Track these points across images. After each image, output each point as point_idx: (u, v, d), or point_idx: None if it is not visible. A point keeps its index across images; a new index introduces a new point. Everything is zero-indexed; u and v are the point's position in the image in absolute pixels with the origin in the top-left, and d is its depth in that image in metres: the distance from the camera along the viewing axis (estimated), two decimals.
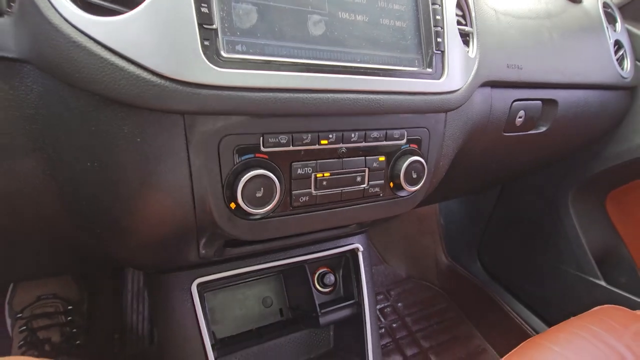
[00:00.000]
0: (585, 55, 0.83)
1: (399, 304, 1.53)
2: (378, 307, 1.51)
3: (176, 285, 0.57)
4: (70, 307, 0.93)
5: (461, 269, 1.50)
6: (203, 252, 0.48)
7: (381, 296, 1.56)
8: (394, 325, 1.40)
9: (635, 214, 1.14)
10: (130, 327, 1.06)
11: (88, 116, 0.36)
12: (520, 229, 1.32)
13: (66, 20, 0.31)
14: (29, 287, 0.90)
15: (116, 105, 0.34)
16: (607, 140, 1.04)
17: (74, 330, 0.91)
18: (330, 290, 0.74)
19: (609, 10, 0.95)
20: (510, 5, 0.70)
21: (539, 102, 0.76)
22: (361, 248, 0.71)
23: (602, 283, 1.12)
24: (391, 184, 0.51)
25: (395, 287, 1.63)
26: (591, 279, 1.14)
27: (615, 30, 0.94)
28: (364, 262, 0.72)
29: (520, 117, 0.74)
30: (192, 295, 0.57)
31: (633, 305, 0.97)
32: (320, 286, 0.73)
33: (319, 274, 0.73)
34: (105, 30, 0.32)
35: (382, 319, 1.44)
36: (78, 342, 0.91)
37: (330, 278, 0.72)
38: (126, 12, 0.32)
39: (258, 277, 0.73)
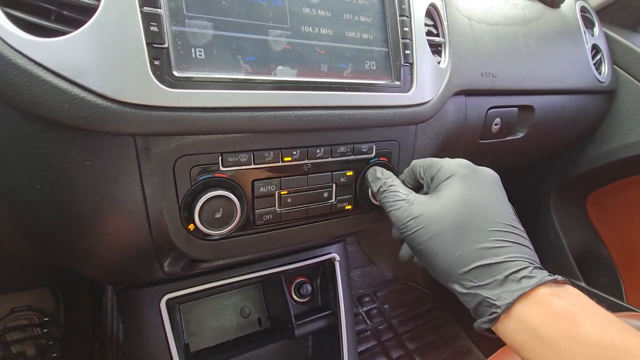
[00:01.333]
0: (562, 60, 0.83)
1: (385, 306, 1.53)
2: (364, 309, 1.51)
3: (145, 301, 0.56)
4: (45, 319, 0.91)
5: None
6: (168, 269, 0.47)
7: (367, 298, 1.56)
8: (380, 327, 1.41)
9: (615, 216, 1.16)
10: (110, 337, 1.05)
11: (34, 139, 0.34)
12: None
13: (5, 41, 0.30)
14: (2, 300, 0.87)
15: (62, 128, 0.33)
16: (587, 142, 1.05)
17: (50, 342, 0.89)
18: (307, 300, 0.73)
19: (587, 14, 0.95)
20: (485, 12, 0.70)
21: (515, 108, 0.76)
22: (338, 257, 0.71)
23: (582, 284, 1.14)
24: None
25: (382, 288, 1.63)
26: (571, 279, 1.15)
27: (592, 35, 0.95)
28: (340, 272, 0.71)
29: (496, 125, 0.74)
30: (160, 312, 0.56)
31: (612, 307, 0.98)
32: (297, 296, 0.72)
33: (296, 283, 0.73)
34: (47, 51, 0.30)
35: (368, 322, 1.45)
36: (54, 354, 0.89)
37: (307, 288, 0.71)
38: (70, 32, 0.31)
39: (235, 287, 0.72)
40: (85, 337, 1.00)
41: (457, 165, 0.41)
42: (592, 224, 1.19)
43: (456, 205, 0.37)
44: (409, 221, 0.39)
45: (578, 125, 0.95)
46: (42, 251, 0.47)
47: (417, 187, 0.46)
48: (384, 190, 0.43)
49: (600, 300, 0.34)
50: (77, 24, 0.31)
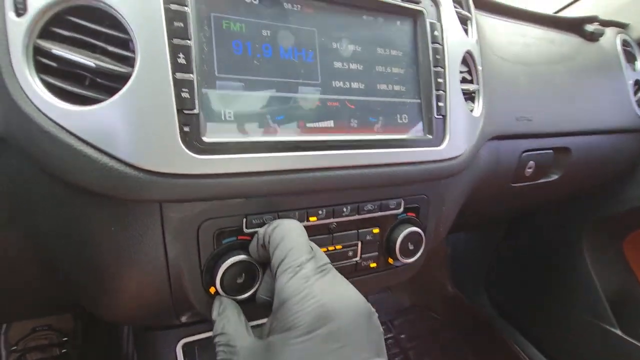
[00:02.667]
0: (601, 98, 0.79)
1: (402, 336, 1.48)
2: None
3: (162, 344, 0.55)
4: (64, 339, 0.92)
5: (467, 301, 1.45)
6: (185, 320, 0.46)
7: (383, 327, 1.51)
8: (396, 359, 1.36)
9: None
10: (126, 357, 1.05)
11: (62, 201, 0.34)
12: (530, 266, 1.27)
13: (38, 109, 0.30)
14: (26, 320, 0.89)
15: (90, 193, 0.32)
16: (627, 181, 0.99)
17: None
18: None
19: (629, 48, 0.90)
20: (521, 52, 0.67)
21: (551, 151, 0.72)
22: None
23: (618, 332, 1.06)
24: (388, 259, 0.48)
25: (398, 316, 1.58)
26: (606, 326, 1.07)
27: (634, 70, 0.90)
28: None
29: (529, 168, 0.70)
30: (176, 356, 0.55)
31: None
32: None
33: None
34: (79, 120, 0.30)
35: None
36: None
37: None
38: (103, 99, 0.31)
39: None
40: (102, 357, 1.01)
41: (302, 309, 0.28)
42: (629, 267, 1.12)
43: None
44: None
45: (617, 164, 0.90)
46: (65, 292, 0.48)
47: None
48: (215, 343, 0.33)
49: (636, 351, 0.29)
50: (110, 90, 0.31)
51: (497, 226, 1.35)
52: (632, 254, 1.10)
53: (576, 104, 0.73)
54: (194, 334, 0.56)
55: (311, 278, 0.30)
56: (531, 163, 0.70)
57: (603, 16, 0.90)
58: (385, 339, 1.44)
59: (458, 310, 1.48)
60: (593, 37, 0.85)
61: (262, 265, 0.38)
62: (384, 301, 1.61)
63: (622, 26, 0.94)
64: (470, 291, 1.47)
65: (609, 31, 0.88)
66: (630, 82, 0.86)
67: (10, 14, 0.29)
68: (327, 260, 0.33)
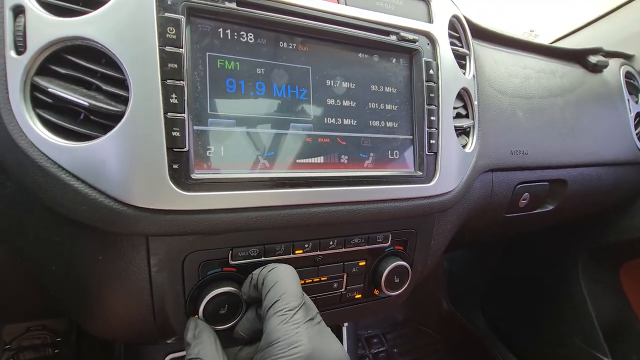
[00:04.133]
0: (601, 132, 0.79)
1: (395, 350, 1.48)
2: (372, 351, 1.46)
3: (149, 358, 0.56)
4: (58, 339, 0.94)
5: (462, 318, 1.45)
6: (171, 342, 0.47)
7: (376, 339, 1.51)
8: None
9: None
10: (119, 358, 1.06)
11: (52, 228, 0.35)
12: (526, 287, 1.26)
13: (32, 143, 0.31)
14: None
15: (79, 225, 0.33)
16: (625, 210, 0.99)
17: None
18: None
19: (632, 80, 0.90)
20: (520, 85, 0.67)
21: (546, 183, 0.72)
22: (346, 323, 0.69)
23: None
24: (374, 290, 0.48)
25: (392, 330, 1.57)
26: (597, 354, 1.07)
27: (637, 102, 0.89)
28: (347, 337, 0.69)
29: (524, 199, 0.70)
30: None
31: None
32: None
33: None
34: (70, 156, 0.31)
35: None
36: None
37: None
38: (96, 136, 0.32)
39: None
40: (95, 358, 1.02)
41: (290, 354, 0.30)
42: (625, 296, 1.11)
43: None
44: None
45: (614, 196, 0.90)
46: (54, 305, 0.49)
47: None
48: None
49: None
50: (103, 127, 0.32)
51: (495, 245, 1.34)
52: (628, 283, 1.10)
53: (575, 137, 0.73)
54: (180, 350, 0.57)
55: (301, 325, 0.31)
56: (526, 195, 0.70)
57: (608, 46, 0.90)
58: (378, 352, 1.44)
59: (452, 326, 1.47)
60: (596, 69, 0.85)
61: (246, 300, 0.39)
62: None
63: (627, 57, 0.94)
64: (465, 308, 1.47)
65: (613, 62, 0.88)
66: (632, 115, 0.86)
67: (11, 52, 0.30)
68: (316, 310, 0.35)
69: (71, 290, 0.39)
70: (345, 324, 0.69)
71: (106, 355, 1.03)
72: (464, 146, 0.53)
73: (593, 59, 0.84)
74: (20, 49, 0.30)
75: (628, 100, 0.86)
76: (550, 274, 1.18)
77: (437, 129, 0.47)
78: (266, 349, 0.31)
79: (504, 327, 1.34)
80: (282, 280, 0.34)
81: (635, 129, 0.86)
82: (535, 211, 0.75)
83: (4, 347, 0.89)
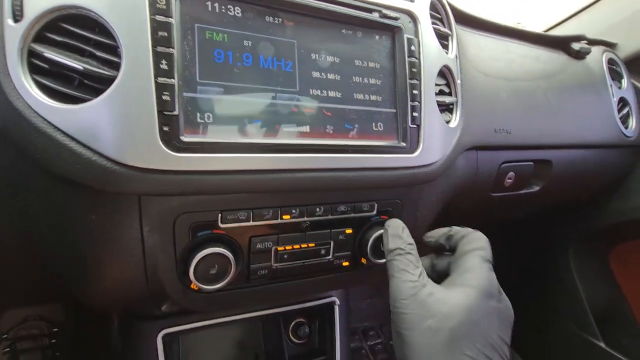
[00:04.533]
0: (585, 115, 0.81)
1: (391, 342, 1.48)
2: (369, 343, 1.47)
3: (143, 334, 0.58)
4: (55, 330, 0.94)
5: None
6: (165, 310, 0.49)
7: (372, 332, 1.52)
8: None
9: None
10: (116, 350, 1.07)
11: (48, 189, 0.37)
12: (517, 275, 1.28)
13: (29, 105, 0.33)
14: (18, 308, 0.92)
15: (73, 184, 0.35)
16: (612, 195, 1.01)
17: (57, 354, 0.92)
18: (304, 342, 0.72)
19: (614, 66, 0.92)
20: (503, 68, 0.70)
21: (531, 163, 0.74)
22: (338, 302, 0.70)
23: (601, 344, 1.06)
24: (361, 259, 0.50)
25: (389, 322, 1.57)
26: (590, 338, 1.08)
27: (620, 87, 0.92)
28: (339, 316, 0.70)
29: (509, 179, 0.72)
30: (157, 347, 0.57)
31: None
32: (295, 337, 0.71)
33: (295, 324, 0.72)
34: (65, 117, 0.33)
35: (372, 358, 1.41)
36: None
37: (305, 330, 0.71)
38: (90, 99, 0.33)
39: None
40: (91, 349, 1.03)
41: (486, 279, 0.39)
42: (615, 280, 1.13)
43: (460, 314, 0.35)
44: (405, 301, 0.37)
45: (601, 179, 0.92)
46: (51, 279, 0.50)
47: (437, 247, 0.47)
48: (399, 254, 0.40)
49: None
50: (97, 91, 0.34)
51: (486, 233, 1.36)
52: (617, 266, 1.12)
53: (558, 119, 0.75)
54: (175, 325, 0.58)
55: (492, 272, 0.40)
56: (511, 174, 0.72)
57: (591, 36, 0.93)
58: (374, 344, 1.45)
59: None
60: (579, 55, 0.87)
61: (235, 255, 0.40)
62: (375, 306, 1.62)
63: (609, 45, 0.97)
64: None
65: (596, 50, 0.91)
66: (615, 99, 0.88)
67: (8, 20, 0.32)
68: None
69: (67, 256, 0.41)
70: (337, 304, 0.70)
71: (104, 344, 1.03)
72: (448, 122, 0.55)
73: (576, 45, 0.87)
74: (17, 17, 0.32)
75: (611, 85, 0.89)
76: (541, 260, 1.20)
77: (420, 102, 0.49)
78: (465, 274, 0.39)
79: None
80: (481, 238, 0.43)
81: (619, 113, 0.88)
82: (521, 191, 0.77)
83: (1, 336, 0.90)
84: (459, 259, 0.41)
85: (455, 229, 0.46)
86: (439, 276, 0.44)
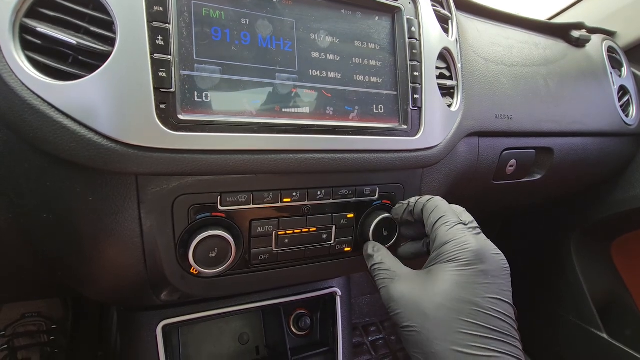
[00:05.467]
0: (585, 102, 0.80)
1: (392, 337, 1.48)
2: (370, 339, 1.46)
3: (143, 325, 0.57)
4: (53, 327, 0.93)
5: None
6: (164, 299, 0.48)
7: (374, 327, 1.51)
8: None
9: None
10: (114, 348, 1.06)
11: (44, 172, 0.36)
12: (519, 266, 1.27)
13: (22, 82, 0.32)
14: (14, 305, 0.91)
15: (69, 165, 0.34)
16: (614, 184, 1.00)
17: (55, 350, 0.91)
18: (306, 334, 0.71)
19: (614, 54, 0.92)
20: (503, 53, 0.69)
21: (532, 150, 0.74)
22: (339, 292, 0.69)
23: (604, 335, 1.06)
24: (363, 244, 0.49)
25: (390, 318, 1.57)
26: (592, 329, 1.08)
27: (620, 76, 0.91)
28: (341, 308, 0.69)
29: (511, 166, 0.72)
30: (157, 338, 0.56)
31: None
32: (296, 329, 0.71)
33: (296, 315, 0.71)
34: (60, 94, 0.32)
35: (373, 353, 1.40)
36: None
37: (306, 321, 0.70)
38: (84, 76, 0.33)
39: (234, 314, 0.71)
40: (90, 346, 1.02)
41: (463, 248, 0.36)
42: (617, 271, 1.12)
43: (444, 297, 0.34)
44: (389, 304, 0.37)
45: (602, 167, 0.91)
46: (48, 270, 0.49)
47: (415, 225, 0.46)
48: (374, 269, 0.42)
49: (623, 356, 0.31)
50: (91, 68, 0.33)
51: (489, 227, 1.36)
52: (619, 257, 1.11)
53: (558, 106, 0.75)
54: (174, 316, 0.57)
55: (466, 230, 0.38)
56: (512, 161, 0.71)
57: (591, 24, 0.92)
58: (375, 340, 1.44)
59: None
60: (579, 43, 0.87)
61: (235, 238, 0.40)
62: (376, 302, 1.61)
63: (609, 34, 0.96)
64: None
65: (595, 38, 0.90)
66: (615, 87, 0.88)
67: None
68: (475, 223, 0.41)
69: (64, 240, 0.39)
70: (339, 295, 0.70)
71: (102, 342, 1.02)
72: (449, 106, 0.55)
73: (576, 33, 0.86)
74: None
75: (611, 73, 0.88)
76: (543, 253, 1.19)
77: (421, 84, 0.49)
78: (441, 247, 0.38)
79: None
80: (441, 205, 0.42)
81: (619, 101, 0.88)
82: (523, 179, 0.77)
83: None
84: (431, 234, 0.40)
85: (412, 200, 0.45)
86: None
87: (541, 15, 1.14)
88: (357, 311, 1.49)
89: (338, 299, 0.69)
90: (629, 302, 1.11)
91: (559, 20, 1.11)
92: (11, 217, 0.41)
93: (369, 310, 1.57)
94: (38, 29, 0.32)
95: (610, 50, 0.92)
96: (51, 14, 0.33)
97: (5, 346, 0.86)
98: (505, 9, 0.81)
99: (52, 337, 0.93)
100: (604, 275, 1.12)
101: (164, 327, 0.57)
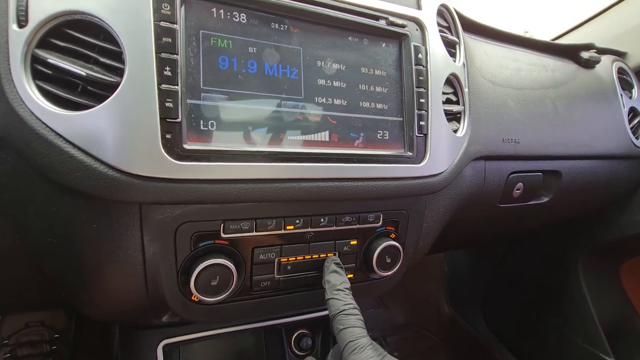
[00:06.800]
0: (594, 125, 0.79)
1: (395, 354, 1.45)
2: None
3: (144, 344, 0.57)
4: (56, 336, 0.94)
5: (463, 322, 1.43)
6: (165, 320, 0.48)
7: (376, 342, 1.49)
8: None
9: None
10: (117, 358, 1.06)
11: (50, 198, 0.36)
12: (526, 289, 1.25)
13: (31, 112, 0.32)
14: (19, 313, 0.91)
15: (74, 192, 0.34)
16: (624, 206, 0.98)
17: None
18: (307, 354, 0.71)
19: (625, 76, 0.91)
20: (511, 76, 0.68)
21: (540, 174, 0.73)
22: None
23: None
24: (366, 271, 0.49)
25: (393, 333, 1.56)
26: (600, 354, 1.05)
27: (631, 97, 0.90)
28: None
29: (518, 190, 0.71)
30: (157, 356, 0.56)
31: None
32: (297, 349, 0.70)
33: (297, 335, 0.71)
34: (67, 123, 0.33)
35: None
36: None
37: (307, 342, 0.69)
38: (92, 106, 0.33)
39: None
40: (92, 357, 1.02)
41: None
42: (626, 294, 1.10)
43: None
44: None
45: (612, 190, 0.90)
46: (52, 287, 0.49)
47: None
48: (344, 314, 0.41)
49: None
50: (100, 98, 0.33)
51: (495, 247, 1.34)
52: (629, 280, 1.09)
53: (567, 129, 0.74)
54: (175, 336, 0.57)
55: (374, 358, 0.38)
56: (519, 185, 0.71)
57: (600, 44, 0.92)
58: None
59: (453, 330, 1.46)
60: (588, 64, 0.86)
61: (237, 266, 0.39)
62: (379, 317, 1.59)
63: (619, 54, 0.95)
64: (466, 311, 1.45)
65: (605, 59, 0.90)
66: (626, 109, 0.86)
67: (13, 25, 0.32)
68: (382, 350, 0.40)
69: (68, 264, 0.40)
70: None
71: (104, 352, 1.02)
72: (455, 131, 0.54)
73: (585, 54, 0.85)
74: (22, 22, 0.32)
75: (621, 95, 0.87)
76: (551, 274, 1.17)
77: (427, 111, 0.49)
78: None
79: (505, 329, 1.32)
80: (350, 328, 0.40)
81: (630, 123, 0.86)
82: (530, 202, 0.76)
83: (2, 342, 0.89)
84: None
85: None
86: None
87: (549, 33, 1.14)
88: None
89: None
90: (639, 326, 1.08)
91: (566, 39, 1.10)
92: (17, 237, 0.41)
93: (371, 325, 1.55)
94: (49, 60, 0.33)
95: (621, 71, 0.91)
96: (62, 44, 0.33)
97: (8, 355, 0.87)
98: (513, 29, 0.81)
99: (54, 347, 0.93)
100: (613, 298, 1.10)
101: (164, 347, 0.57)
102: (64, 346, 0.95)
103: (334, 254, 0.45)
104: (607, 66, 0.89)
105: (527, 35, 0.90)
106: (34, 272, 0.47)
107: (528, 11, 1.26)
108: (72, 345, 0.98)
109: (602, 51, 0.91)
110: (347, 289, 0.43)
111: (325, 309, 0.67)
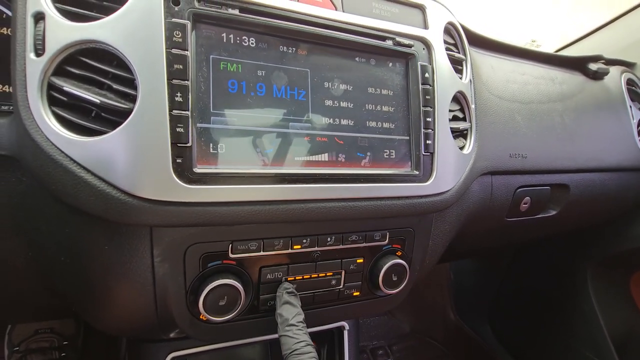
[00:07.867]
0: (603, 137, 0.79)
1: None
2: None
3: (151, 356, 0.57)
4: (65, 342, 0.95)
5: (469, 330, 1.42)
6: (173, 337, 0.48)
7: (381, 351, 1.49)
8: None
9: None
10: None
11: (63, 220, 0.37)
12: (533, 299, 1.24)
13: (46, 137, 0.33)
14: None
15: (87, 215, 0.35)
16: (634, 218, 0.97)
17: None
18: None
19: (634, 87, 0.90)
20: (518, 90, 0.68)
21: (547, 187, 0.72)
22: (347, 327, 0.69)
23: None
24: (372, 288, 0.49)
25: (398, 342, 1.55)
26: None
27: None
28: (348, 342, 0.69)
29: (525, 204, 0.71)
30: None
31: None
32: None
33: None
34: (81, 149, 0.33)
35: None
36: None
37: None
38: (106, 132, 0.34)
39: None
40: None
41: None
42: (636, 306, 1.08)
43: None
44: None
45: (621, 202, 0.89)
46: (63, 302, 0.50)
47: None
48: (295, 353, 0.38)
49: None
50: (113, 123, 0.34)
51: (502, 255, 1.33)
52: (638, 292, 1.07)
53: (575, 142, 0.73)
54: (183, 348, 0.58)
55: None
56: (527, 199, 0.70)
57: (609, 55, 0.91)
58: None
59: (459, 338, 1.45)
60: (597, 76, 0.85)
61: (245, 285, 0.40)
62: (384, 324, 1.59)
63: (628, 65, 0.95)
64: (472, 320, 1.44)
65: (614, 70, 0.89)
66: (635, 121, 0.86)
67: (31, 54, 0.33)
68: None
69: (79, 282, 0.41)
70: (347, 329, 0.69)
71: (111, 358, 1.03)
72: (462, 148, 0.54)
73: (593, 66, 0.85)
74: (39, 51, 0.33)
75: (630, 106, 0.86)
76: (558, 284, 1.16)
77: (433, 130, 0.49)
78: None
79: (512, 339, 1.31)
80: None
81: (639, 135, 0.86)
82: (537, 216, 0.75)
83: (12, 349, 0.91)
84: None
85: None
86: None
87: (556, 42, 1.13)
88: (365, 333, 1.47)
89: (346, 333, 0.69)
90: None
91: (574, 49, 1.09)
92: (31, 255, 0.42)
93: (376, 333, 1.54)
94: (64, 88, 0.34)
95: (630, 82, 0.90)
96: (77, 71, 0.34)
97: None
98: (520, 39, 0.81)
99: (63, 354, 0.94)
100: (622, 310, 1.08)
101: (172, 359, 0.57)
102: (73, 353, 0.97)
103: (291, 280, 0.43)
104: (615, 77, 0.88)
105: (535, 44, 0.89)
106: (47, 287, 0.48)
107: (535, 20, 1.26)
108: (80, 352, 0.99)
109: (611, 62, 0.91)
110: (300, 322, 0.40)
111: (330, 322, 0.68)
